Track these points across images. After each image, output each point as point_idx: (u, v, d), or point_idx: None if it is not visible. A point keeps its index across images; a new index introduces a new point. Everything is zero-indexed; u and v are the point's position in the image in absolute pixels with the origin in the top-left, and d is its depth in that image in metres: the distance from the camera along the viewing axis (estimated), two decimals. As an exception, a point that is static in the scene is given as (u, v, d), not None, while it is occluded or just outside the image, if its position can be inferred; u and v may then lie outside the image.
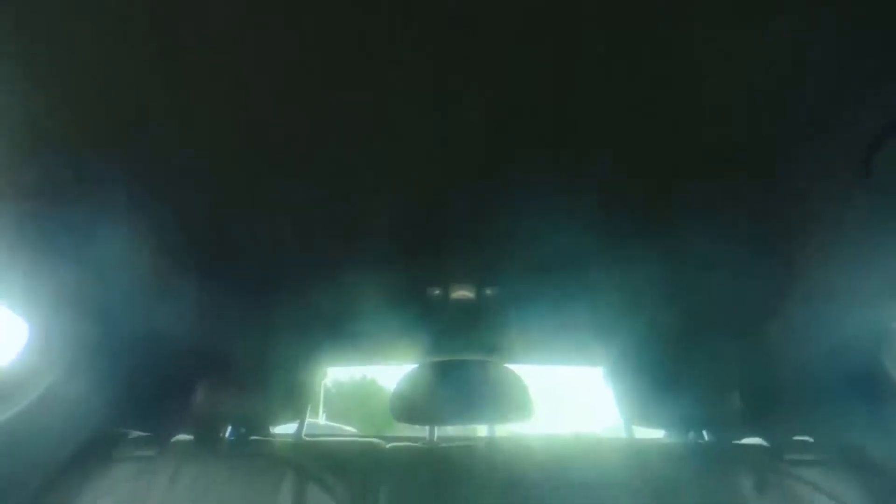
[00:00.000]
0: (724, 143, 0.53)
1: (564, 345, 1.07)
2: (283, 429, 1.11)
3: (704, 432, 0.99)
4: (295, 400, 1.02)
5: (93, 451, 0.92)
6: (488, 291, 0.81)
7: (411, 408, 0.98)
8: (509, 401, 0.97)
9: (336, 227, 0.67)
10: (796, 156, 0.54)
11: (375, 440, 1.04)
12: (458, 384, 0.98)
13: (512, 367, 1.02)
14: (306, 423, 1.09)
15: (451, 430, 1.35)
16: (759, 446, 0.97)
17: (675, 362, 0.94)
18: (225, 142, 0.53)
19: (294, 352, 1.02)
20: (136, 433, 1.00)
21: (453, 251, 0.72)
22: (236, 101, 0.49)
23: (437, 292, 0.81)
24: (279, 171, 0.57)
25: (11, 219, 0.63)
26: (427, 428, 1.10)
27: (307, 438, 1.06)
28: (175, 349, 0.90)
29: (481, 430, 1.32)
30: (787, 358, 0.90)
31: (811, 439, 0.96)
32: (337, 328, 0.98)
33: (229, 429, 1.03)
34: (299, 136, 0.52)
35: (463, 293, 0.81)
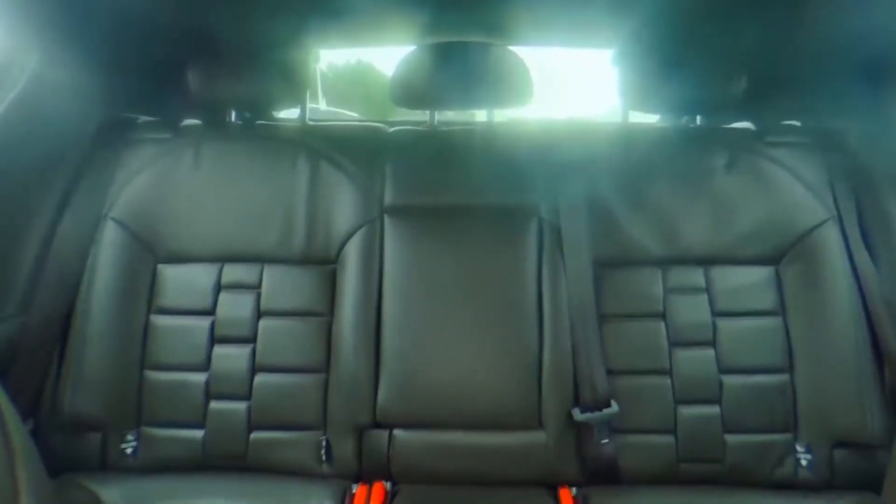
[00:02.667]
0: None
1: (574, 24, 0.99)
2: (287, 114, 1.16)
3: (698, 117, 1.04)
4: (291, 84, 1.03)
5: (111, 135, 0.99)
6: None
7: (410, 92, 0.99)
8: (510, 85, 0.97)
9: None
10: None
11: (378, 124, 1.09)
12: (458, 67, 0.96)
13: (516, 49, 0.98)
14: (308, 107, 1.12)
15: (451, 117, 1.40)
16: (745, 130, 1.03)
17: (684, 45, 0.91)
18: None
19: (281, 31, 0.97)
20: (144, 118, 1.05)
21: None
22: None
23: (434, -44, 0.69)
24: None
25: None
26: (427, 114, 1.13)
27: (311, 123, 1.12)
28: (159, 31, 0.86)
29: (480, 117, 1.38)
30: (800, 43, 0.86)
31: (798, 123, 1.02)
32: (324, 2, 0.88)
33: (233, 114, 1.07)
34: None
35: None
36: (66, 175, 0.93)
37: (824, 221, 0.92)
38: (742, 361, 0.90)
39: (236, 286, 0.95)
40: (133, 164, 0.98)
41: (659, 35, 0.93)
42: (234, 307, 0.94)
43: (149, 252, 0.95)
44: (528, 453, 0.89)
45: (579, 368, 0.89)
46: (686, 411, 0.89)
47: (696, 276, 0.94)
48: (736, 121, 1.04)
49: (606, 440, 0.87)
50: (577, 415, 0.87)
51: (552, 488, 0.89)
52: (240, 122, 1.07)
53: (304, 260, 0.96)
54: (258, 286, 0.95)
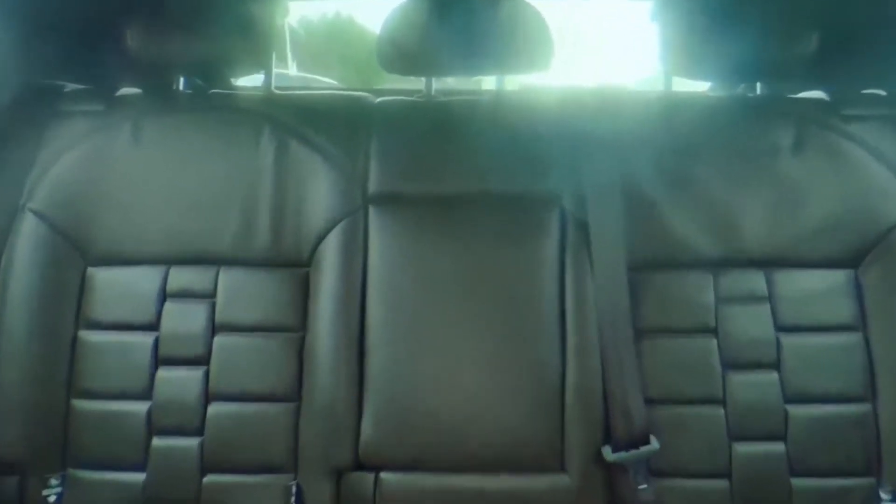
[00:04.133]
0: None
1: None
2: (248, 81, 1.17)
3: (758, 85, 1.04)
4: (254, 43, 1.03)
5: (31, 106, 0.99)
6: None
7: (402, 54, 0.99)
8: (525, 45, 0.97)
9: None
10: None
11: (361, 94, 1.10)
12: (461, 22, 0.95)
13: (532, 1, 0.98)
14: (274, 73, 1.13)
15: (452, 84, 1.40)
16: (816, 100, 1.03)
17: None
18: None
19: None
20: (72, 86, 1.05)
21: None
22: None
23: None
24: None
25: None
26: (423, 81, 1.14)
27: (279, 91, 1.12)
28: None
29: (488, 85, 1.39)
30: None
31: (882, 92, 1.01)
32: None
33: (182, 81, 1.08)
34: None
35: None
36: None
37: None
38: (813, 388, 0.89)
39: (185, 294, 0.94)
40: (58, 143, 0.98)
41: None
42: (183, 320, 0.93)
43: (77, 252, 0.95)
44: (548, 501, 0.89)
45: (611, 396, 0.89)
46: (743, 449, 0.89)
47: (756, 282, 0.94)
48: (805, 89, 1.05)
49: (644, 485, 0.87)
50: (609, 454, 0.87)
51: (577, 545, 0.89)
52: (190, 91, 1.07)
53: (270, 262, 0.95)
54: (212, 294, 0.94)
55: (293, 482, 0.89)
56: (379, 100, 1.07)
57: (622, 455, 0.86)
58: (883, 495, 0.86)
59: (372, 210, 0.97)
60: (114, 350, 0.92)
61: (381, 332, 0.93)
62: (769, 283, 0.93)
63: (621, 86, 1.23)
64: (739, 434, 0.89)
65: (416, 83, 1.18)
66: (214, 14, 0.96)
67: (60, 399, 0.91)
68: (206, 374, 0.92)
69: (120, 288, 0.94)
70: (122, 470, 0.90)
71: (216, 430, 0.90)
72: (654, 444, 0.87)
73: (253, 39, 1.02)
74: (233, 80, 1.09)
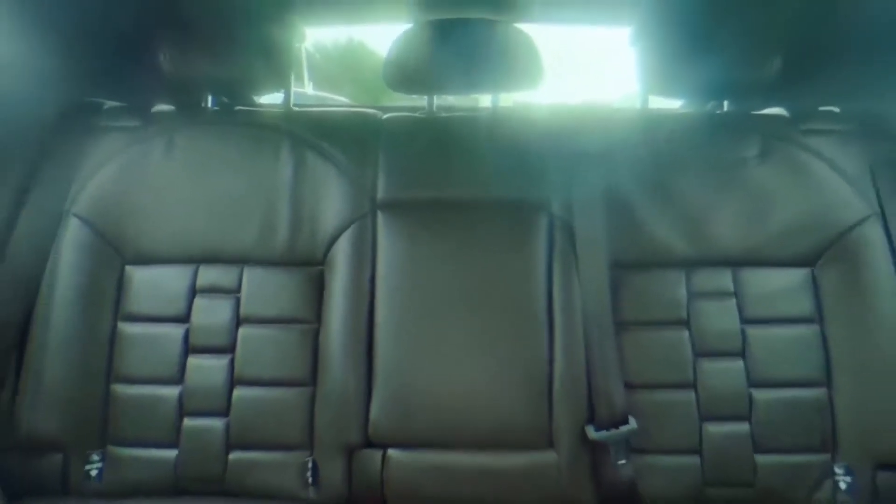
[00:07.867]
0: None
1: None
2: (269, 99, 1.18)
3: (726, 103, 1.05)
4: (274, 65, 1.04)
5: (73, 122, 1.01)
6: None
7: (406, 75, 1.01)
8: (518, 66, 0.99)
9: None
10: None
11: (370, 110, 1.11)
12: (459, 46, 0.98)
13: (523, 27, 1.00)
14: (292, 92, 1.13)
15: (451, 102, 1.41)
16: (778, 116, 1.04)
17: (710, 21, 0.91)
18: None
19: (263, 6, 0.98)
20: (111, 104, 1.07)
21: None
22: None
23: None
24: None
25: None
26: (426, 98, 1.14)
27: (297, 108, 1.13)
28: (127, 3, 0.88)
29: (484, 102, 1.39)
30: (841, 19, 0.87)
31: (837, 110, 1.03)
32: None
33: (210, 99, 1.09)
34: None
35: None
36: (23, 167, 0.94)
37: (866, 218, 0.93)
38: (774, 374, 0.91)
39: (213, 290, 0.96)
40: (98, 155, 0.99)
41: (682, 11, 0.94)
42: (211, 313, 0.95)
43: (115, 252, 0.96)
44: (538, 475, 0.90)
45: (594, 382, 0.90)
46: (713, 429, 0.90)
47: (724, 279, 0.95)
48: (768, 106, 1.05)
49: (624, 461, 0.88)
50: (592, 433, 0.88)
51: (564, 514, 0.90)
52: (217, 108, 1.08)
53: (288, 261, 0.97)
54: (237, 290, 0.96)
55: (309, 458, 0.91)
56: (386, 116, 1.08)
57: (604, 434, 0.88)
58: (837, 470, 0.88)
59: (380, 215, 0.99)
60: (149, 340, 0.94)
61: (388, 325, 0.94)
62: (736, 280, 0.95)
63: (604, 103, 1.24)
64: (709, 415, 0.91)
65: (419, 101, 1.19)
66: (239, 38, 0.97)
67: (100, 385, 0.92)
68: (232, 362, 0.93)
69: (154, 284, 0.96)
70: (156, 447, 0.91)
71: (240, 411, 0.92)
72: (633, 424, 0.88)
73: (273, 61, 1.03)
74: (255, 97, 1.11)
